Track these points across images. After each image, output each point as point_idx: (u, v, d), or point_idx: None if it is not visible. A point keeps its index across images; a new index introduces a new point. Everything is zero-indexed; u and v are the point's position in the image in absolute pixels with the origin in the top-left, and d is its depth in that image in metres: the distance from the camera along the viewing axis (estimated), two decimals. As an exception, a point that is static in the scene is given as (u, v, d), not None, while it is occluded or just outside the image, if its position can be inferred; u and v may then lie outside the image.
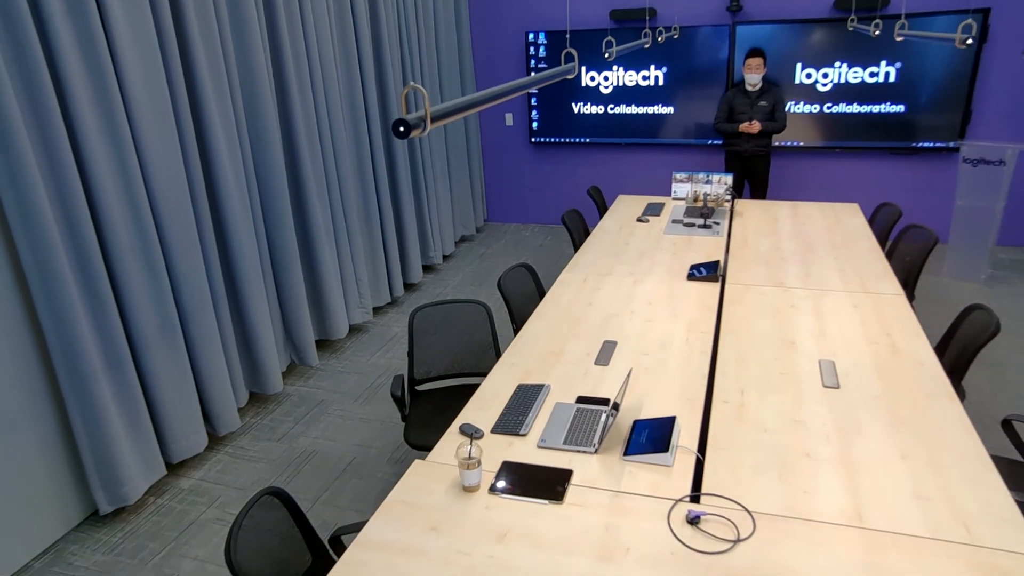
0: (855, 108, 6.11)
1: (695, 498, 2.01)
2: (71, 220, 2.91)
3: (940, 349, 3.07)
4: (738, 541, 1.83)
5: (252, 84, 3.90)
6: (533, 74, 2.63)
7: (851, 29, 5.41)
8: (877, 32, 5.08)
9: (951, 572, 1.70)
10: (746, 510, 1.94)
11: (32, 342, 2.94)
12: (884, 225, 4.65)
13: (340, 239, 4.79)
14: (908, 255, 4.04)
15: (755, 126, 5.46)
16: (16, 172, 2.68)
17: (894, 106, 6.01)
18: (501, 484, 2.09)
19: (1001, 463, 2.15)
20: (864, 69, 5.99)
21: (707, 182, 5.03)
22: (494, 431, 2.37)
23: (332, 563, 1.85)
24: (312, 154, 4.42)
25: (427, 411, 3.04)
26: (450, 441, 2.33)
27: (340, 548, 2.07)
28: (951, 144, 5.96)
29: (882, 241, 4.36)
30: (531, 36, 6.71)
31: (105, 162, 3.04)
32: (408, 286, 5.91)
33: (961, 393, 2.63)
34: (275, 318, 4.30)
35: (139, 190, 3.18)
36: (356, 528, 1.99)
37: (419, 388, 3.17)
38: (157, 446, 3.37)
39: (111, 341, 3.11)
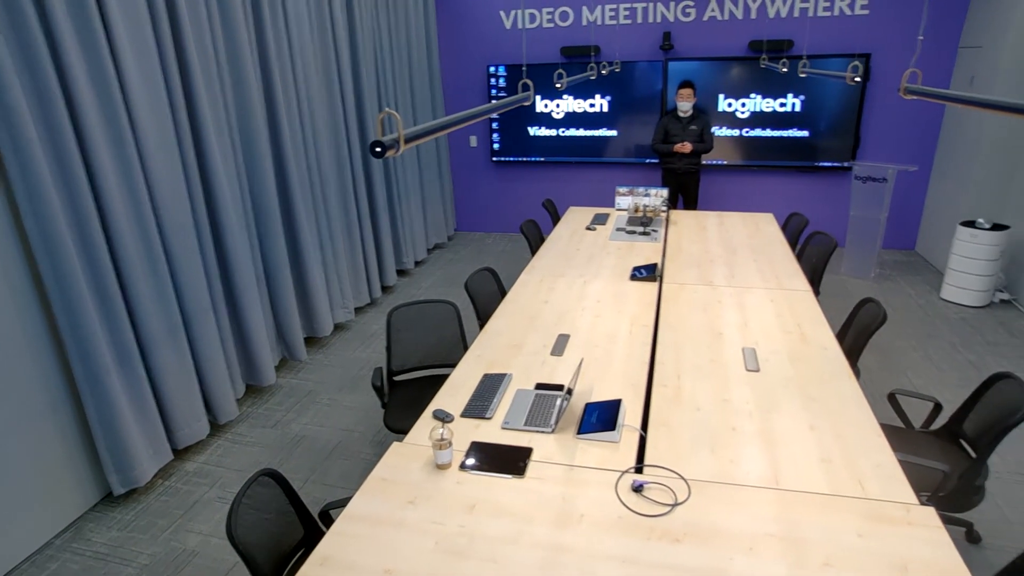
0: (768, 133, 6.25)
1: (639, 469, 2.03)
2: (84, 235, 2.82)
3: (840, 336, 3.16)
4: (676, 505, 1.86)
5: (246, 111, 3.82)
6: (494, 101, 2.63)
7: (763, 66, 5.54)
8: (784, 69, 5.22)
9: (849, 522, 1.76)
10: (682, 478, 1.97)
11: (50, 343, 2.84)
12: (794, 232, 4.76)
13: (325, 248, 4.73)
14: (814, 257, 4.14)
15: (687, 147, 5.54)
16: (34, 191, 2.59)
17: (800, 131, 6.17)
18: (470, 461, 2.08)
19: (888, 430, 2.23)
20: (775, 100, 6.13)
21: (646, 195, 5.08)
22: (463, 415, 2.36)
23: (322, 535, 1.82)
24: (300, 173, 4.35)
25: (404, 399, 3.01)
26: (424, 425, 2.31)
27: (328, 521, 2.03)
28: (845, 164, 6.14)
29: (793, 245, 4.47)
30: (492, 68, 6.70)
31: (115, 183, 2.94)
32: (385, 288, 5.84)
33: (857, 372, 2.71)
34: (268, 318, 4.21)
35: (146, 209, 3.10)
36: (342, 503, 1.97)
37: (396, 378, 3.14)
38: (164, 433, 3.29)
39: (121, 340, 3.02)
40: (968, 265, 4.91)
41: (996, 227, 4.81)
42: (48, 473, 2.86)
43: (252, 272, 3.89)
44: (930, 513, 1.78)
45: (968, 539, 2.66)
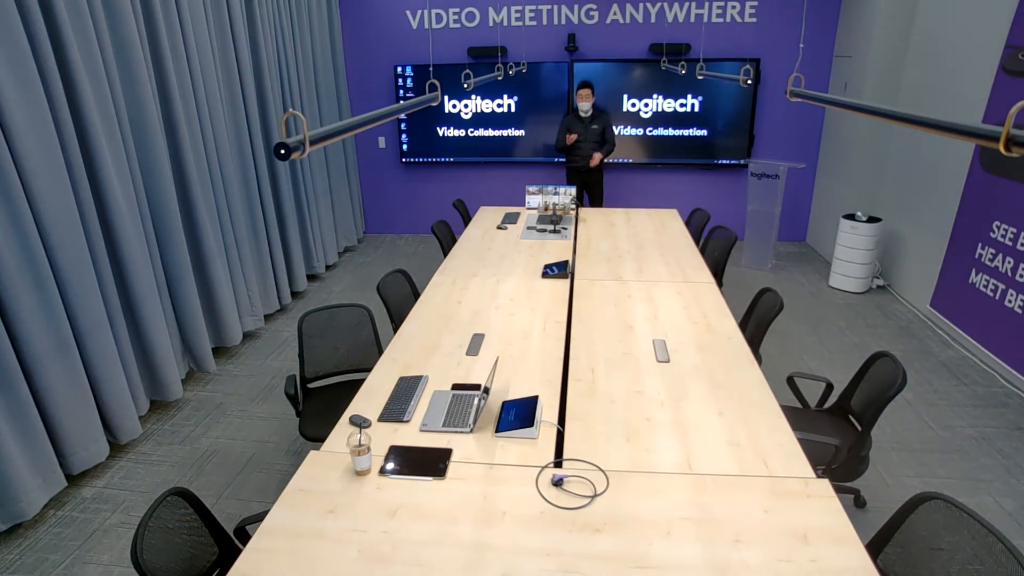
0: (670, 132, 6.54)
1: (558, 464, 2.06)
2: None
3: (742, 324, 3.33)
4: (595, 496, 1.90)
5: (139, 114, 3.58)
6: (402, 102, 2.59)
7: (663, 68, 5.78)
8: (683, 71, 5.47)
9: (756, 499, 1.87)
10: (600, 469, 2.02)
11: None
12: (697, 226, 5.00)
13: (231, 254, 4.51)
14: (716, 250, 4.37)
15: (596, 159, 5.70)
16: None
17: (699, 131, 6.50)
18: (390, 466, 2.05)
19: (787, 411, 2.38)
20: (675, 100, 6.42)
21: (555, 194, 5.18)
22: (381, 419, 2.32)
23: (238, 552, 1.74)
24: (201, 176, 4.12)
25: (319, 406, 2.93)
26: (341, 432, 2.25)
27: (245, 538, 1.95)
28: (742, 161, 6.53)
29: (696, 240, 4.70)
30: (399, 69, 6.62)
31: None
32: (295, 294, 5.65)
33: (759, 358, 2.88)
34: (172, 329, 3.97)
35: (26, 218, 2.83)
36: (259, 518, 1.88)
37: (311, 386, 3.04)
38: (55, 459, 3.01)
39: (-1, 360, 2.75)
40: (850, 255, 5.35)
41: (871, 219, 5.27)
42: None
43: (152, 281, 3.66)
44: (824, 485, 1.92)
45: (856, 504, 2.91)
